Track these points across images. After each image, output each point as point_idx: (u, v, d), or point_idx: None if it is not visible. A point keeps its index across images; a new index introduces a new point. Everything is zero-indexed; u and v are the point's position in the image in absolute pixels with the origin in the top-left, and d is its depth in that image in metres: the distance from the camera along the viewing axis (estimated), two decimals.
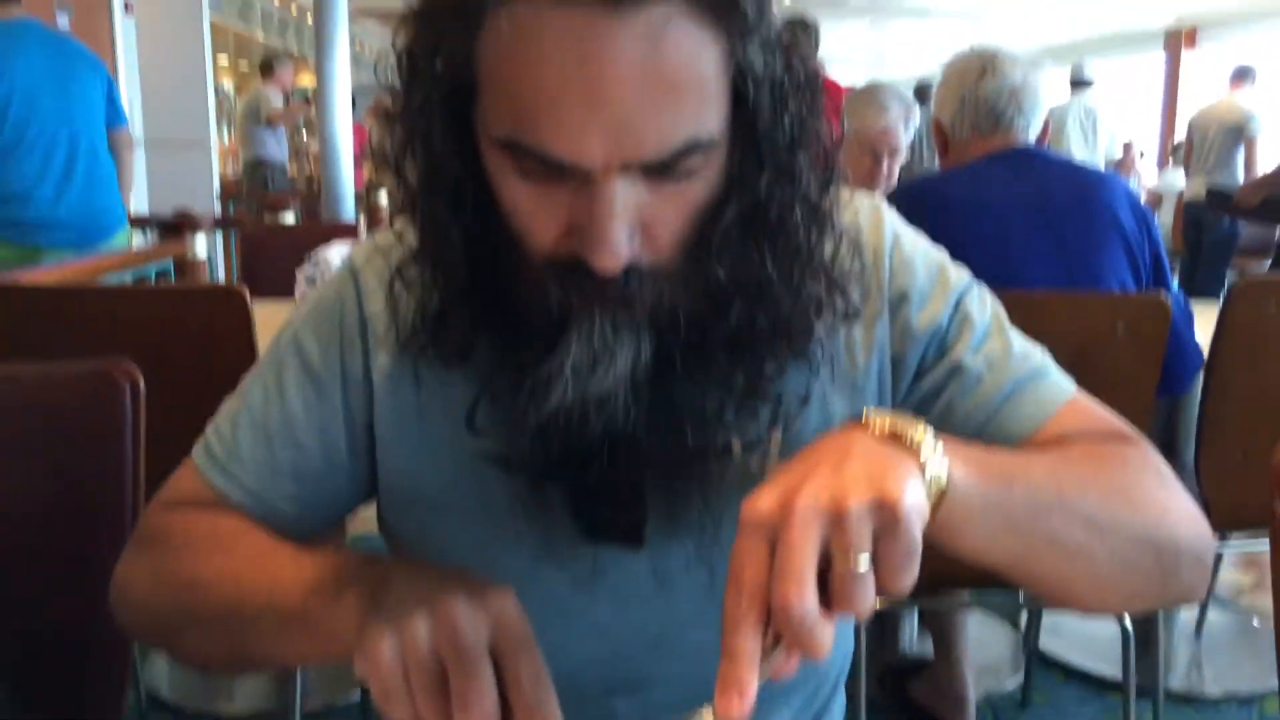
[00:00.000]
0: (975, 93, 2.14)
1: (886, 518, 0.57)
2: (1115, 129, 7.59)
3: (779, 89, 0.70)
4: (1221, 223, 6.16)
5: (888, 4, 14.08)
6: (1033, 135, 2.16)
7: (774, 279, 0.73)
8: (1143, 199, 2.17)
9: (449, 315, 0.77)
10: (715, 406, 0.76)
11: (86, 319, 1.95)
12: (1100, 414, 0.85)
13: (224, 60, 12.31)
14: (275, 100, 8.20)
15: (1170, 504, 0.77)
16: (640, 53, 0.63)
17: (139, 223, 5.27)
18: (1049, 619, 2.68)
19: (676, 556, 0.83)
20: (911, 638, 2.70)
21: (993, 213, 1.99)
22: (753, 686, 0.56)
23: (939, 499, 0.61)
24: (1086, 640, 2.72)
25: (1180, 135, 9.55)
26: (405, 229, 0.81)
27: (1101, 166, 6.92)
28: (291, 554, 0.79)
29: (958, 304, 0.86)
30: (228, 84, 12.38)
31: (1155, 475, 0.78)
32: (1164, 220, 7.03)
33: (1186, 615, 2.89)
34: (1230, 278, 4.87)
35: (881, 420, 0.63)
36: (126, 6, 6.88)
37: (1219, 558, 2.68)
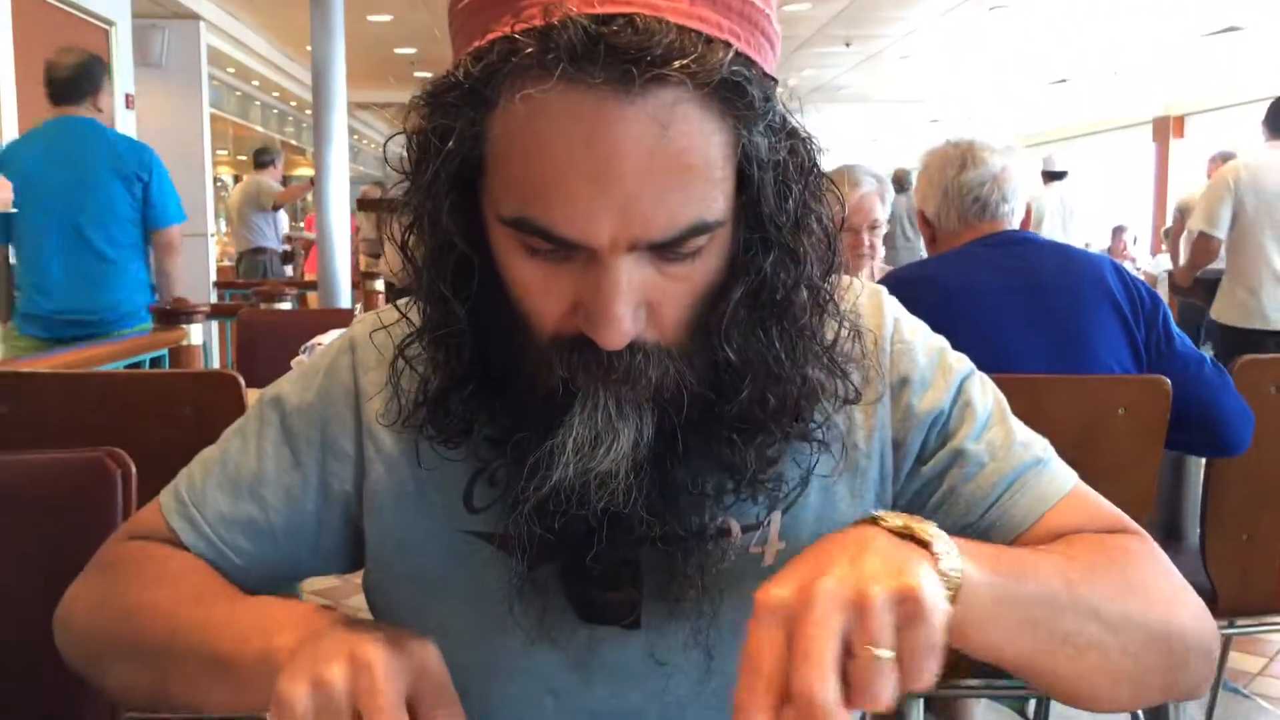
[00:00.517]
0: (958, 183, 2.16)
1: (910, 610, 0.57)
2: (1091, 219, 7.76)
3: (783, 173, 0.71)
4: None
5: (877, 93, 14.37)
6: (1017, 220, 2.18)
7: (778, 359, 0.73)
8: None
9: (450, 393, 0.77)
10: (715, 488, 0.76)
11: (80, 404, 1.95)
12: (1101, 505, 0.85)
13: (223, 153, 12.49)
14: (275, 186, 8.33)
15: (1177, 598, 0.77)
16: (649, 135, 0.64)
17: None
18: (1058, 707, 2.63)
19: (674, 637, 0.81)
20: None
21: (986, 297, 2.00)
22: None
23: (954, 596, 0.61)
24: None
25: (1170, 221, 9.70)
26: (409, 306, 0.81)
27: None
28: (230, 596, 0.80)
29: (959, 390, 0.86)
30: (226, 175, 12.56)
31: (1160, 569, 0.79)
32: None
33: (1196, 702, 2.84)
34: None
35: (893, 518, 0.64)
36: (127, 101, 6.98)
37: (1227, 641, 2.64)
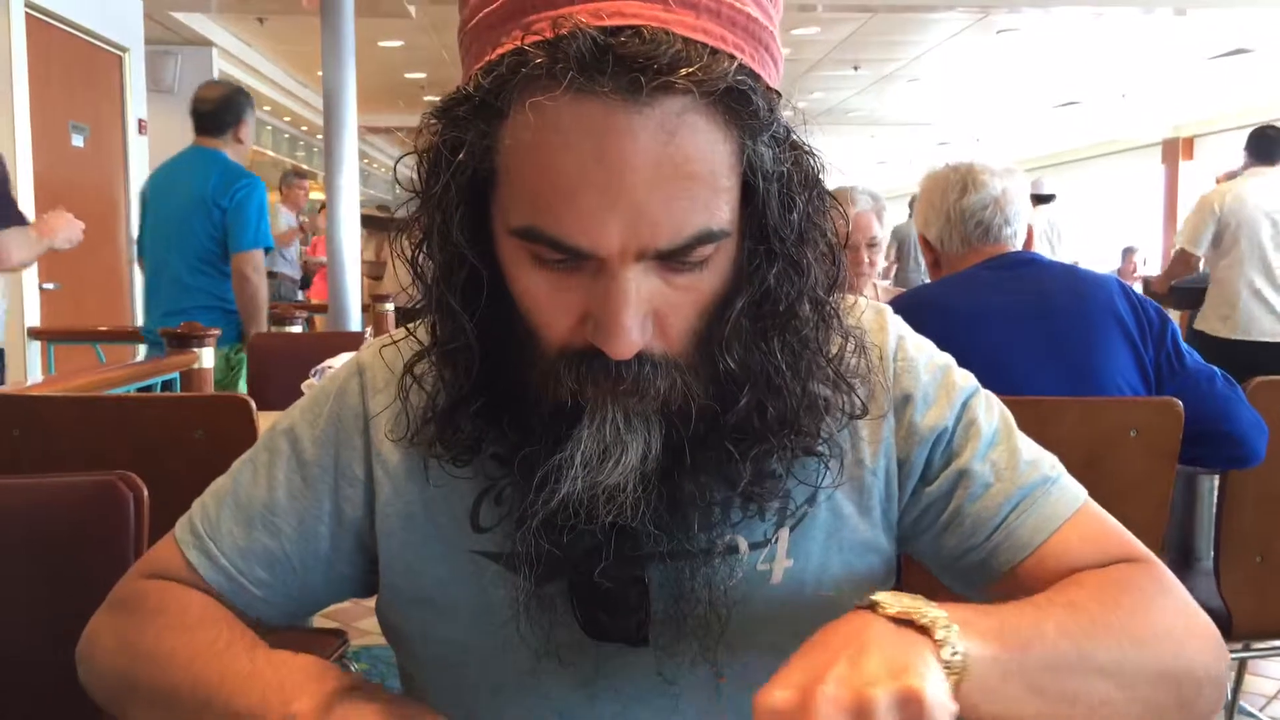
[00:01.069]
0: (960, 208, 2.16)
1: (913, 713, 0.57)
2: (1079, 241, 7.91)
3: (787, 184, 0.71)
4: None
5: (886, 116, 14.41)
6: (1020, 242, 2.18)
7: (778, 370, 0.74)
8: None
9: (458, 409, 0.77)
10: (723, 503, 0.76)
11: (92, 428, 1.95)
12: (1110, 528, 0.85)
13: None
14: (288, 220, 8.37)
15: (1187, 633, 0.77)
16: (656, 144, 0.64)
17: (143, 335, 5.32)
18: None
19: (682, 656, 0.81)
20: None
21: (994, 320, 1.99)
22: None
23: (959, 678, 0.62)
24: None
25: None
26: (417, 327, 0.82)
27: None
28: (249, 650, 0.79)
29: (963, 408, 0.85)
30: None
31: (1169, 601, 0.78)
32: None
33: None
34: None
35: (892, 603, 0.64)
36: (140, 126, 7.03)
37: (1242, 664, 2.62)
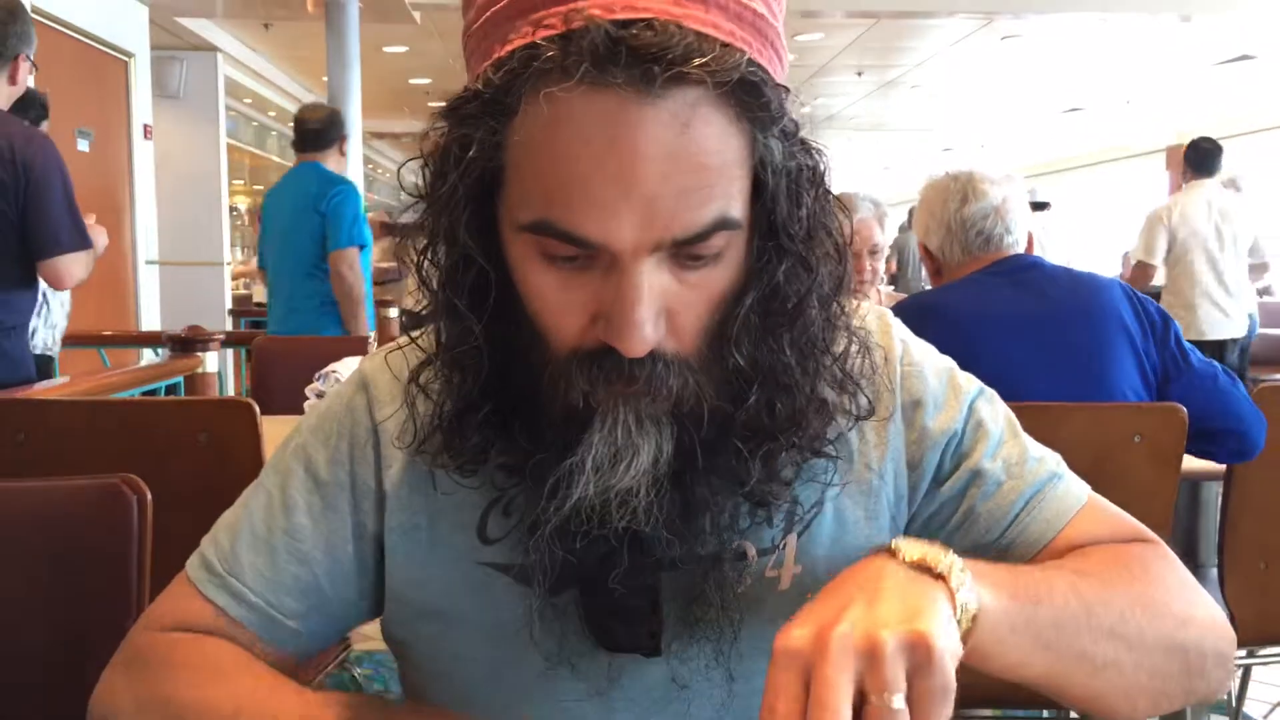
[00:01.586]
0: (960, 217, 2.15)
1: (921, 657, 0.58)
2: (1079, 247, 8.05)
3: (795, 180, 0.71)
4: None
5: (889, 122, 14.41)
6: (1021, 249, 2.18)
7: (787, 368, 0.74)
8: None
9: (466, 417, 0.76)
10: (732, 507, 0.76)
11: (96, 431, 1.95)
12: (1117, 516, 0.86)
13: (239, 182, 12.57)
14: None
15: (1192, 606, 0.78)
16: (670, 135, 0.64)
17: (150, 339, 5.33)
18: None
19: (695, 661, 0.81)
20: None
21: (996, 325, 1.99)
22: None
23: (970, 626, 0.63)
24: None
25: None
26: (422, 336, 0.81)
27: None
28: (296, 691, 0.78)
29: (971, 409, 0.86)
30: (242, 205, 12.64)
31: (1176, 576, 0.80)
32: None
33: None
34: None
35: (910, 548, 0.65)
36: (145, 131, 7.05)
37: (1246, 671, 2.62)
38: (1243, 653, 2.26)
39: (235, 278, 9.06)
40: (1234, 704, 2.51)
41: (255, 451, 1.88)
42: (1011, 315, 2.00)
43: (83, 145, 6.13)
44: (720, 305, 0.72)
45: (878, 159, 18.56)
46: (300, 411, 2.64)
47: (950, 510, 0.85)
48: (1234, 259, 5.43)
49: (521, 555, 0.77)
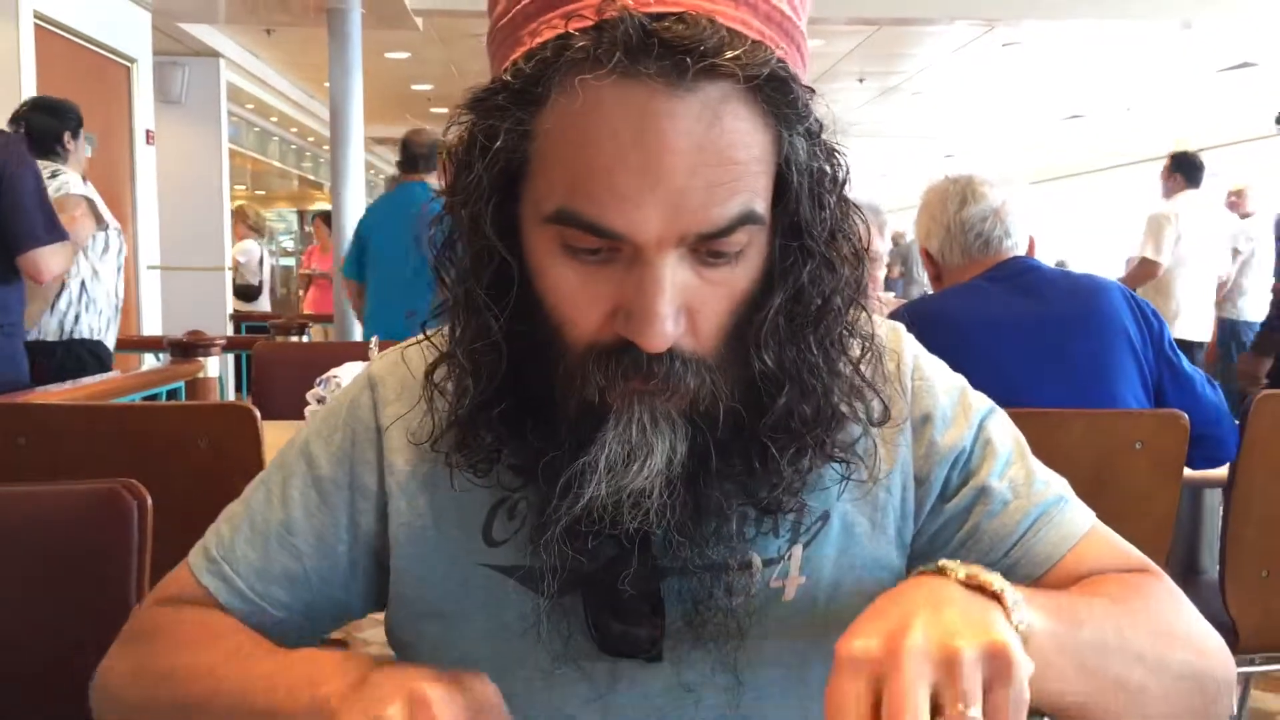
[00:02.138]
0: (960, 220, 2.15)
1: (999, 666, 0.57)
2: (1080, 251, 8.17)
3: (819, 180, 0.72)
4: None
5: (890, 129, 14.42)
6: (1021, 252, 2.18)
7: (814, 370, 0.73)
8: None
9: (481, 414, 0.75)
10: (741, 514, 0.76)
11: (97, 436, 1.95)
12: (1120, 545, 0.86)
13: (241, 187, 12.59)
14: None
15: (1206, 636, 0.79)
16: (698, 128, 0.65)
17: (151, 344, 5.34)
18: None
19: (700, 665, 0.81)
20: None
21: (997, 330, 1.99)
22: None
23: (1024, 648, 0.62)
24: None
25: None
26: (435, 335, 0.81)
27: None
28: (270, 651, 0.78)
29: (980, 428, 0.86)
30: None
31: (1184, 610, 0.80)
32: None
33: None
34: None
35: (959, 568, 0.64)
36: (147, 136, 7.06)
37: (1248, 679, 2.61)
38: (1244, 660, 2.25)
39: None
40: (1235, 712, 2.50)
41: (256, 456, 1.88)
42: (1011, 320, 2.00)
43: (85, 150, 6.13)
44: (740, 305, 0.71)
45: (878, 165, 18.58)
46: (301, 417, 2.64)
47: (955, 527, 0.84)
48: (1216, 267, 5.86)
49: (526, 558, 0.77)
